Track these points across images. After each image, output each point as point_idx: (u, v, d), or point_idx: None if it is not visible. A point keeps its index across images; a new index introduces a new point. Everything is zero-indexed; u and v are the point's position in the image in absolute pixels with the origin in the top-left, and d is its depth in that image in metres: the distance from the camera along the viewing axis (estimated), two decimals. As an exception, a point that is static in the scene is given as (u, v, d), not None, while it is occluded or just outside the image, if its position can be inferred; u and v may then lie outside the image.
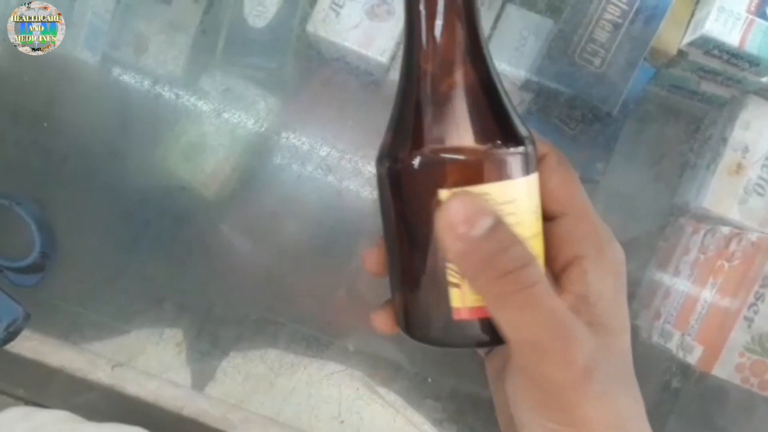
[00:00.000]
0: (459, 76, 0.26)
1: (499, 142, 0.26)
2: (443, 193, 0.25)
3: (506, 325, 0.25)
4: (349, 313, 0.51)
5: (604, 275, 0.27)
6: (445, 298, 0.26)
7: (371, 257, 0.30)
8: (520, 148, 0.26)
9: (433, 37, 0.27)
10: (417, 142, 0.26)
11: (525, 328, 0.24)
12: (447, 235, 0.24)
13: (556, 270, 0.28)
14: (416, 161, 0.26)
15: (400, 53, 0.43)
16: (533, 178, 0.27)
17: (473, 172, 0.25)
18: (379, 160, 0.28)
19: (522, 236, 0.25)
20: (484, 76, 0.27)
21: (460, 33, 0.26)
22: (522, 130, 0.27)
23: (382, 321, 0.30)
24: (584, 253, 0.27)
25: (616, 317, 0.27)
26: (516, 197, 0.26)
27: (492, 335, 0.26)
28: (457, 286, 0.26)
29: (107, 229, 0.52)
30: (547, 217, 0.29)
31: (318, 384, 0.51)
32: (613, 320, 0.27)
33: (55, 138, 0.51)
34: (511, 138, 0.26)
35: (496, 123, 0.26)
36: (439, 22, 0.26)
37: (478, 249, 0.24)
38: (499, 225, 0.24)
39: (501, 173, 0.26)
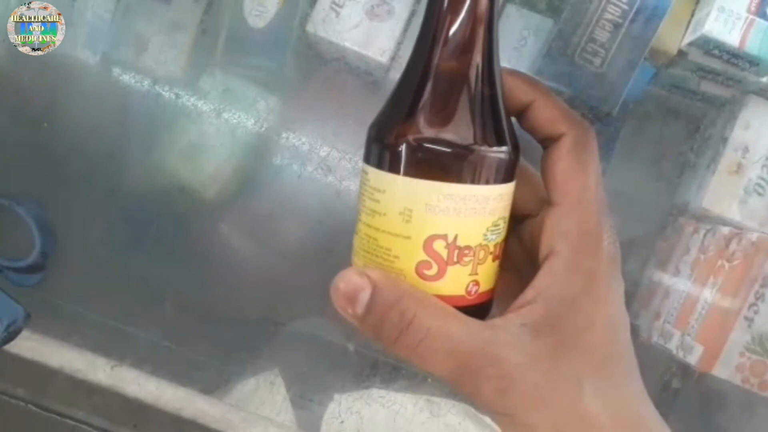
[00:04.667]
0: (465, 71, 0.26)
1: (487, 144, 0.26)
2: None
3: (423, 368, 0.26)
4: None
5: (572, 278, 0.27)
6: None
7: None
8: (503, 154, 0.26)
9: (451, 32, 0.26)
10: (410, 128, 0.26)
11: (436, 371, 0.26)
12: (343, 315, 0.26)
13: (541, 258, 0.27)
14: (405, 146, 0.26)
15: (400, 53, 0.43)
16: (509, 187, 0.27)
17: (460, 169, 0.26)
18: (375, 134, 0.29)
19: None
20: (489, 79, 0.26)
21: (479, 33, 0.26)
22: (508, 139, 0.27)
23: None
24: (559, 249, 0.27)
25: (578, 314, 0.26)
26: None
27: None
28: None
29: (107, 230, 0.52)
30: (548, 202, 0.28)
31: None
32: (570, 322, 0.26)
33: (55, 138, 0.51)
34: (496, 143, 0.26)
35: (492, 126, 0.26)
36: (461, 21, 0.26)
37: (365, 324, 0.26)
38: (374, 296, 0.25)
39: (487, 176, 0.26)
